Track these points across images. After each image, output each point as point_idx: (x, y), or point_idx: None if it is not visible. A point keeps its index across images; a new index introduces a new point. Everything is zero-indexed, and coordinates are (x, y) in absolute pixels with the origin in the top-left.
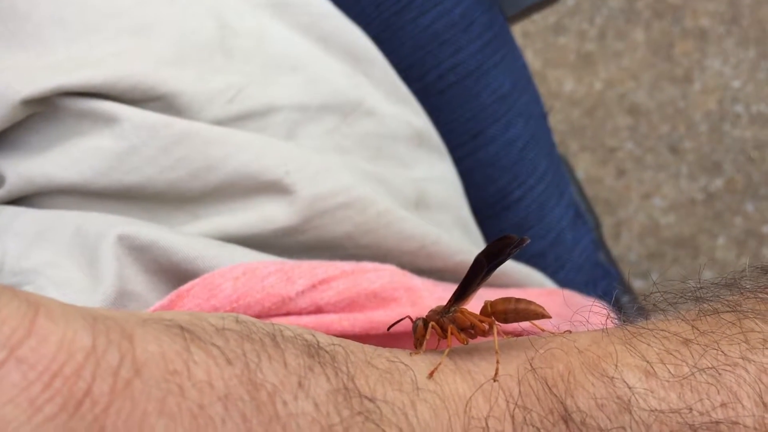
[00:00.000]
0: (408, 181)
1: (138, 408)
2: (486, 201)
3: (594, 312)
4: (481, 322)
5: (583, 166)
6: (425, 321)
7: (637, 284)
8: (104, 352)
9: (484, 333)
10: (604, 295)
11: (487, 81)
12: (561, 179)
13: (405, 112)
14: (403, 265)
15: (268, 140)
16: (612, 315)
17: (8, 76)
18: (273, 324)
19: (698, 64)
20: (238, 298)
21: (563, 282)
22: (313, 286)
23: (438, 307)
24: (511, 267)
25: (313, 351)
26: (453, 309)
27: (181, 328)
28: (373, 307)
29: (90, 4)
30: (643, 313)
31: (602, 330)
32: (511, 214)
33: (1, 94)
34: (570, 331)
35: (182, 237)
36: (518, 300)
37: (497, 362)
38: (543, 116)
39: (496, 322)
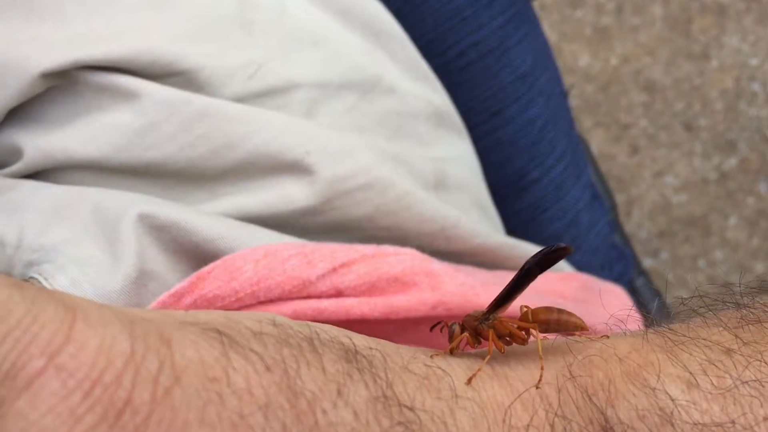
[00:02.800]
0: (427, 161)
1: (178, 417)
2: (503, 181)
3: (614, 295)
4: (520, 329)
5: (596, 143)
6: (462, 326)
7: (647, 263)
8: (143, 358)
9: (523, 342)
10: (619, 278)
11: (509, 59)
12: (579, 160)
13: (425, 90)
14: (421, 248)
15: (290, 119)
16: (648, 319)
17: (27, 48)
18: (309, 325)
19: (716, 40)
20: (259, 281)
21: (579, 264)
22: (334, 270)
23: (476, 312)
24: (525, 248)
25: (350, 356)
26: (493, 316)
27: (219, 332)
28: (393, 292)
29: None
30: (657, 300)
31: (642, 336)
32: (528, 194)
33: (20, 67)
34: (607, 336)
35: (203, 217)
36: (560, 310)
37: (541, 368)
38: (563, 95)
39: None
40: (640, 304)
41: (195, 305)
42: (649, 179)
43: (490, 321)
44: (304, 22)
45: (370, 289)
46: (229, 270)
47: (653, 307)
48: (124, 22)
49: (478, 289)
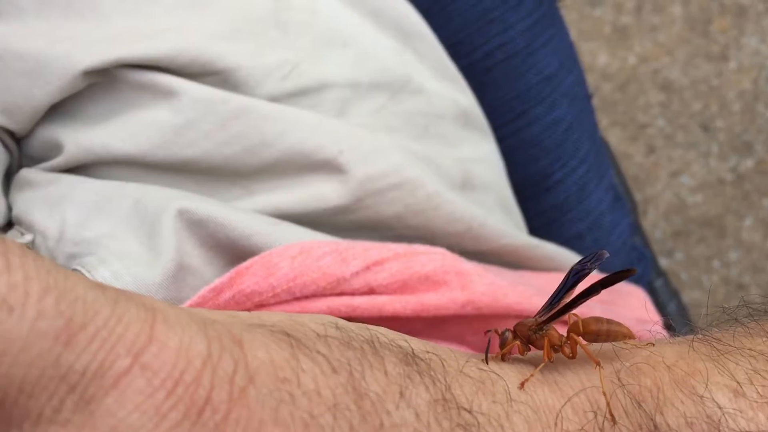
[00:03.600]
0: (454, 161)
1: (254, 417)
2: (527, 182)
3: (635, 297)
4: (569, 338)
5: (612, 142)
6: (514, 333)
7: (662, 263)
8: (219, 358)
9: (572, 354)
10: (639, 279)
11: (535, 61)
12: (602, 162)
13: (452, 91)
14: (449, 247)
15: (323, 119)
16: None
17: (69, 46)
18: (368, 329)
19: (735, 41)
20: (295, 277)
21: (600, 265)
22: (367, 268)
23: (527, 321)
24: (549, 249)
25: (409, 359)
26: (546, 327)
27: (287, 334)
28: (424, 290)
29: None
30: (675, 301)
31: (688, 344)
32: (551, 195)
33: (62, 64)
34: (653, 344)
35: (239, 213)
36: (609, 321)
37: (601, 378)
38: (587, 97)
39: (582, 340)
40: (660, 304)
41: (234, 300)
42: (665, 179)
43: (544, 331)
44: (335, 23)
45: (401, 287)
46: (266, 266)
47: (671, 307)
48: (164, 21)
49: (506, 289)
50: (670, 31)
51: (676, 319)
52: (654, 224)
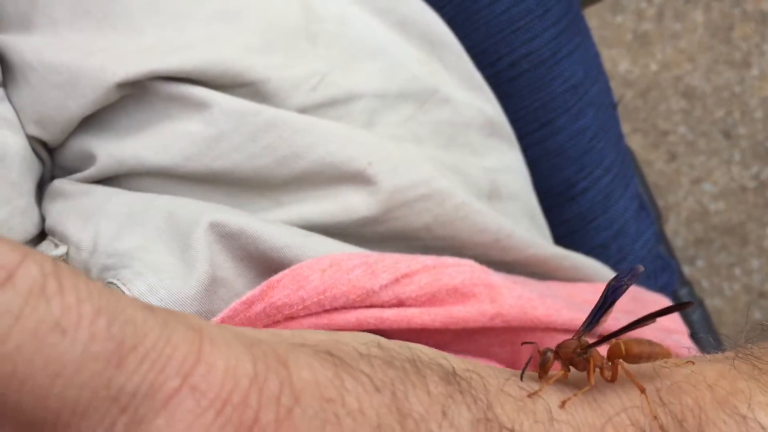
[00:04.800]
0: (481, 170)
1: None
2: (552, 191)
3: (658, 305)
4: (610, 360)
5: (634, 149)
6: (556, 353)
7: (683, 270)
8: (265, 379)
9: (612, 378)
10: (664, 288)
11: (560, 70)
12: (627, 170)
13: (478, 100)
14: (477, 257)
15: (352, 130)
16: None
17: (102, 58)
18: (409, 347)
19: (757, 48)
20: (325, 290)
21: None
22: (396, 280)
23: (570, 342)
24: (576, 259)
25: (450, 378)
26: (590, 350)
27: (330, 353)
28: (453, 302)
29: None
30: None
31: (729, 363)
32: (576, 204)
33: (95, 76)
34: (693, 362)
35: (270, 226)
36: (650, 342)
37: (643, 394)
38: (613, 106)
39: (625, 365)
40: (684, 313)
41: (264, 312)
42: (686, 186)
43: (588, 354)
44: (364, 33)
45: (430, 299)
46: (297, 279)
47: (696, 317)
48: (195, 34)
49: (535, 301)
50: (692, 37)
51: (700, 326)
52: (675, 231)
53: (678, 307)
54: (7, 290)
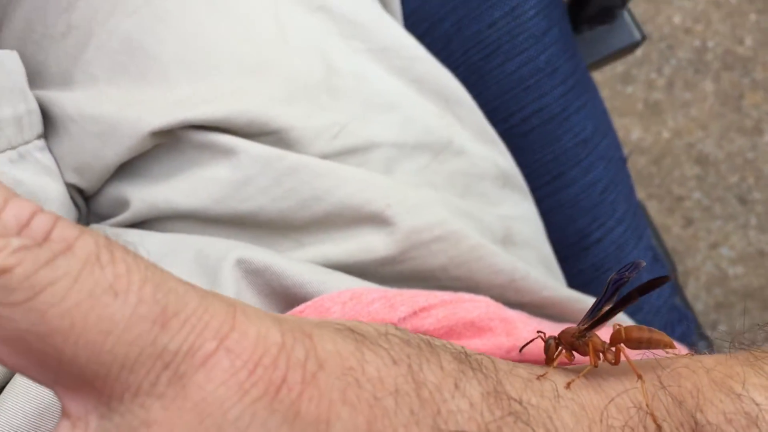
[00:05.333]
0: (495, 218)
1: (325, 396)
2: (565, 241)
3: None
4: (612, 346)
5: (650, 214)
6: (558, 340)
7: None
8: (292, 347)
9: (615, 361)
10: (681, 339)
11: (570, 125)
12: (639, 222)
13: (491, 152)
14: (493, 298)
15: (371, 174)
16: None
17: (139, 110)
18: (424, 335)
19: None
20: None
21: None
22: (414, 313)
23: (570, 328)
24: (591, 302)
25: (462, 357)
26: (589, 334)
27: (351, 330)
28: (469, 336)
29: (212, 47)
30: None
31: (726, 353)
32: (590, 254)
33: (132, 126)
34: (692, 354)
35: (293, 263)
36: (650, 330)
37: (640, 380)
38: (623, 160)
39: (625, 348)
40: None
41: None
42: (704, 251)
43: (587, 338)
44: (381, 89)
45: (447, 333)
46: (319, 310)
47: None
48: (225, 87)
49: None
50: (703, 106)
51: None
52: (695, 296)
53: (656, 281)
54: (68, 256)
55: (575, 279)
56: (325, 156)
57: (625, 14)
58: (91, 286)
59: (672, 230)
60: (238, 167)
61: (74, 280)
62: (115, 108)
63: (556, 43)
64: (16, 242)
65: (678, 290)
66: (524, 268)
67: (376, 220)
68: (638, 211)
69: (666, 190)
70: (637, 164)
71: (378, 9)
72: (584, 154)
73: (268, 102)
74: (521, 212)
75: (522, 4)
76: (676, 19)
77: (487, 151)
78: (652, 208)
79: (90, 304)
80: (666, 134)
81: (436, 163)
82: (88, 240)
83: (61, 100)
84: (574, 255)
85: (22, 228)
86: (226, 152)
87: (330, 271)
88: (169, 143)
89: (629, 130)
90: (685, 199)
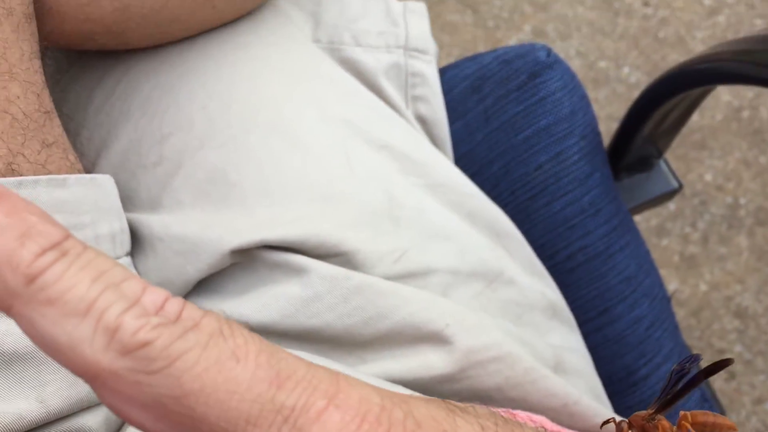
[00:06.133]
0: (546, 346)
1: None
2: (613, 377)
3: None
4: (679, 429)
5: None
6: (630, 424)
7: None
8: (392, 409)
9: None
10: None
11: (614, 263)
12: None
13: (540, 284)
14: None
15: (431, 296)
16: None
17: (220, 230)
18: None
19: None
20: None
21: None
22: None
23: (641, 412)
24: None
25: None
26: (658, 417)
27: (442, 401)
28: None
29: (288, 178)
30: None
31: None
32: (639, 391)
33: (213, 245)
34: None
35: (361, 377)
36: (715, 414)
37: None
38: (667, 299)
39: (692, 429)
40: None
41: None
42: (749, 406)
43: (657, 420)
44: (438, 220)
45: None
46: None
47: None
48: (299, 212)
49: None
50: (739, 260)
51: None
52: None
53: (721, 363)
54: (196, 331)
55: (625, 414)
56: (387, 278)
57: (662, 164)
58: (217, 354)
59: (714, 384)
60: (309, 285)
61: (203, 349)
62: (198, 228)
63: (598, 186)
64: (155, 320)
65: None
66: (577, 393)
67: (435, 338)
68: (684, 349)
69: (707, 343)
70: (676, 316)
71: (434, 149)
72: (629, 291)
73: (337, 227)
74: (571, 343)
75: (566, 150)
76: (708, 177)
77: (536, 283)
78: None
79: (217, 368)
80: (703, 287)
81: (489, 290)
82: (212, 318)
83: (150, 221)
84: (622, 391)
85: (158, 310)
86: (298, 271)
87: (394, 385)
88: (244, 262)
89: (666, 282)
90: (726, 353)
